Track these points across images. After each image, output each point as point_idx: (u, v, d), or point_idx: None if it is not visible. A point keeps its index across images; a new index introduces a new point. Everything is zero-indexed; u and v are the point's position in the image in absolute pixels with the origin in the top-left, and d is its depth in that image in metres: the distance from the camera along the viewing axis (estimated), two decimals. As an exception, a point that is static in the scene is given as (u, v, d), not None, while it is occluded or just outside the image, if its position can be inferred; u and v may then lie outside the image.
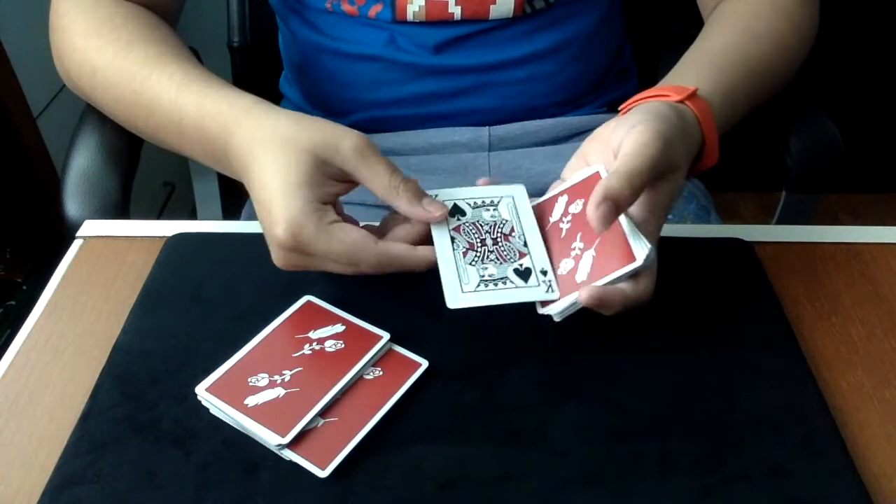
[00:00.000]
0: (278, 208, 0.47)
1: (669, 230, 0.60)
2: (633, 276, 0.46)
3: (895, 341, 0.51)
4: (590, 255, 0.47)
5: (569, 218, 0.50)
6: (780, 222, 0.78)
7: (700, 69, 0.59)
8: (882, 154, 1.90)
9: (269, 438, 0.42)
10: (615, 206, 0.44)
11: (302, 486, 0.41)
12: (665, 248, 0.57)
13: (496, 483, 0.42)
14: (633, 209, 0.47)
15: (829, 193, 0.74)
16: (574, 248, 0.48)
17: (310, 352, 0.48)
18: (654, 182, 0.47)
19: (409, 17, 0.70)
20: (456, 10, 0.69)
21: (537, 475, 0.42)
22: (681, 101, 0.53)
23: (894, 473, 0.44)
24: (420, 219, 0.50)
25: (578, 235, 0.48)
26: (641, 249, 0.44)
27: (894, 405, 0.47)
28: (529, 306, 0.48)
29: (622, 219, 0.46)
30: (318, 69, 0.76)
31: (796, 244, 0.59)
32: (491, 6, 0.70)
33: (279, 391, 0.45)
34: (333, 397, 0.45)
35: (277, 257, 0.49)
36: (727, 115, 0.57)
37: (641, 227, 0.47)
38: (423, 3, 0.69)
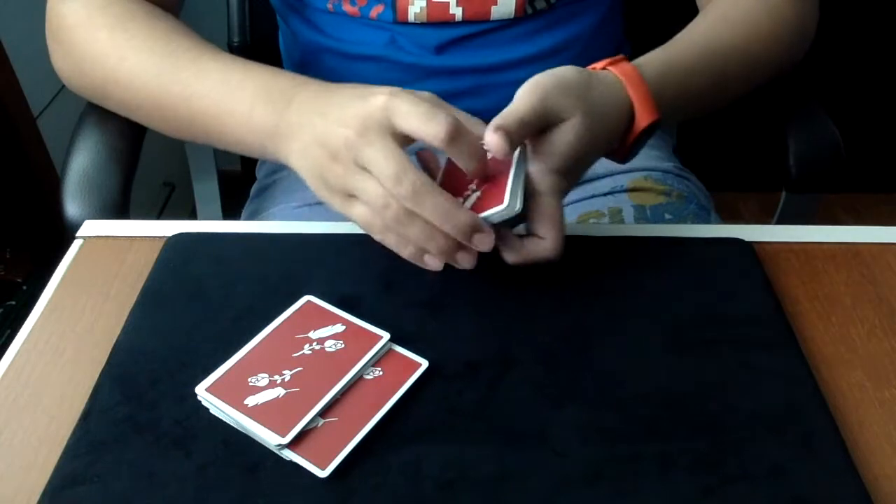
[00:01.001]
0: (378, 90, 0.48)
1: (669, 230, 0.60)
2: (520, 224, 0.50)
3: (895, 341, 0.51)
4: (476, 195, 0.50)
5: None
6: (780, 222, 0.78)
7: (654, 50, 0.60)
8: (882, 154, 1.90)
9: (269, 438, 0.42)
10: (506, 134, 0.47)
11: (302, 486, 0.41)
12: (665, 248, 0.57)
13: (496, 483, 0.42)
14: (531, 166, 0.51)
15: (829, 193, 0.74)
16: (468, 189, 0.51)
17: (310, 352, 0.48)
18: (543, 131, 0.50)
19: (411, 18, 0.70)
20: (457, 11, 0.70)
21: (537, 475, 0.42)
22: (603, 69, 0.55)
23: (894, 474, 0.44)
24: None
25: (476, 180, 0.51)
26: (512, 198, 0.48)
27: (894, 405, 0.47)
28: (534, 304, 0.48)
29: (511, 171, 0.50)
30: (319, 69, 0.76)
31: (796, 244, 0.59)
32: (492, 7, 0.70)
33: (279, 391, 0.45)
34: (333, 397, 0.45)
35: (347, 129, 0.47)
36: (674, 84, 0.58)
37: (541, 181, 0.50)
38: (424, 5, 0.69)
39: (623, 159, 0.58)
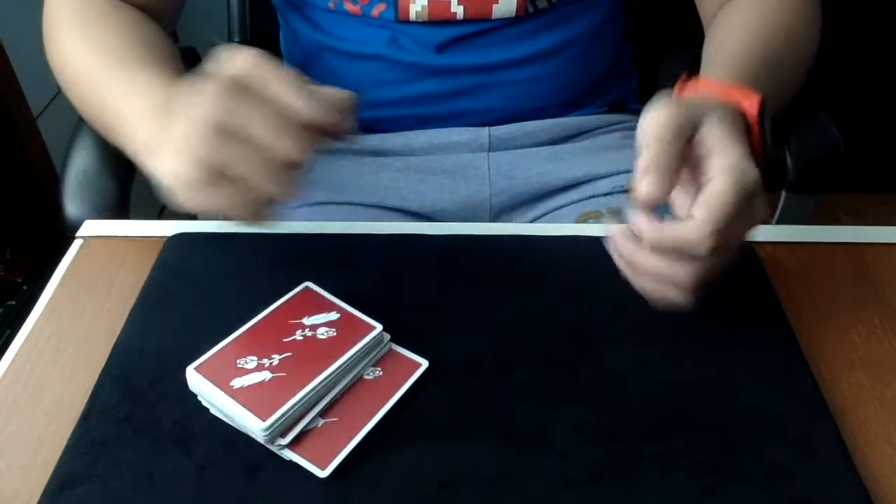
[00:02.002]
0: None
1: (669, 230, 0.60)
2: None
3: (895, 341, 0.51)
4: (260, 376, 0.45)
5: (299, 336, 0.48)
6: (780, 222, 0.78)
7: (711, 65, 0.58)
8: (882, 154, 1.90)
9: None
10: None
11: (302, 486, 0.41)
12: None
13: (496, 483, 0.42)
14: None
15: (829, 193, 0.74)
16: (266, 358, 0.46)
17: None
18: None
19: (412, 16, 0.70)
20: (458, 10, 0.70)
21: (537, 475, 0.42)
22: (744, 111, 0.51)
23: (894, 473, 0.44)
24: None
25: (283, 355, 0.46)
26: (272, 420, 0.42)
27: (894, 405, 0.47)
28: (534, 304, 0.48)
29: (329, 370, 0.44)
30: (320, 68, 0.76)
31: (796, 244, 0.59)
32: (493, 6, 0.70)
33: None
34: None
35: (211, 100, 0.43)
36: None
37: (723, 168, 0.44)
38: (425, 3, 0.69)
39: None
